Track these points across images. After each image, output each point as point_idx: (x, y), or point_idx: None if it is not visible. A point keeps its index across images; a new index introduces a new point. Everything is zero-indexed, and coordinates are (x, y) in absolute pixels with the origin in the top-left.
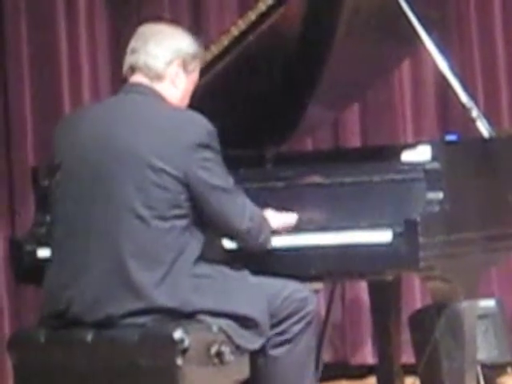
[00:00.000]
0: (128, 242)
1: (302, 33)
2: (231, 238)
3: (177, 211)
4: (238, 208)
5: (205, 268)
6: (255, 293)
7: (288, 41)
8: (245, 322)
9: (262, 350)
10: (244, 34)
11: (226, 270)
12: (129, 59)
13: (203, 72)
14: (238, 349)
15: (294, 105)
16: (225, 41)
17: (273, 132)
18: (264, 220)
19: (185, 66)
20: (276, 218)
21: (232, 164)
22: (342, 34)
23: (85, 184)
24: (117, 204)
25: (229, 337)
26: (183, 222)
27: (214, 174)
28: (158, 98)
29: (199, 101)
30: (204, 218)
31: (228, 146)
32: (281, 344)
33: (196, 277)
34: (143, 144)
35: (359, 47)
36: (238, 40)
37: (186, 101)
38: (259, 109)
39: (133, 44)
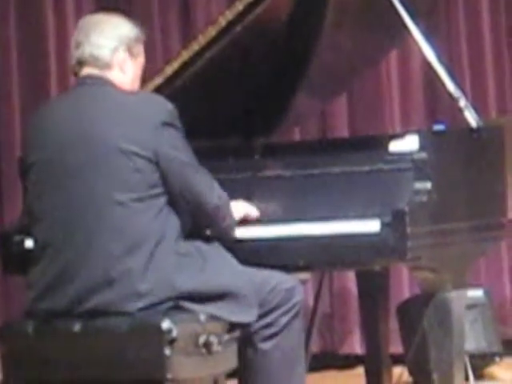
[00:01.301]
0: (110, 229)
1: (290, 23)
2: (200, 217)
3: (153, 191)
4: (208, 184)
5: (185, 246)
6: (235, 266)
7: (275, 31)
8: (232, 297)
9: (250, 343)
10: (232, 24)
11: (203, 246)
12: (75, 54)
13: (191, 62)
14: (233, 329)
15: (282, 95)
16: (212, 31)
17: (261, 122)
18: (229, 204)
19: (130, 50)
20: (238, 208)
21: (220, 154)
22: (329, 24)
23: (61, 180)
24: (95, 194)
25: (220, 319)
26: (161, 201)
27: (181, 150)
28: (112, 85)
29: (187, 91)
30: (175, 195)
31: (216, 136)
32: (269, 337)
33: (179, 255)
34: (111, 131)
35: (347, 37)
36: (225, 30)
37: (137, 84)
38: (247, 99)
39: (76, 38)
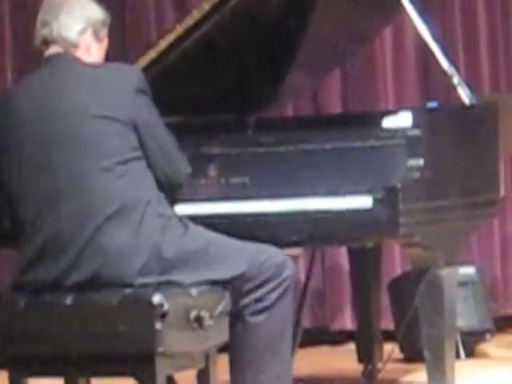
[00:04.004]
0: (97, 196)
1: None
2: (169, 182)
3: (135, 153)
4: (179, 151)
5: (168, 209)
6: (217, 234)
7: (269, 6)
8: (214, 254)
9: (240, 317)
10: (225, 0)
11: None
12: (41, 32)
13: (184, 37)
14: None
15: (275, 71)
16: (207, 6)
17: (254, 98)
18: None
19: (96, 33)
20: None
21: (213, 129)
22: (323, 0)
23: (39, 157)
24: (77, 164)
25: (208, 283)
26: (143, 164)
27: (156, 116)
28: (79, 60)
29: (181, 66)
30: (151, 160)
31: (209, 112)
32: (259, 311)
33: (162, 217)
34: (84, 100)
35: (340, 12)
36: (219, 5)
37: None
38: (240, 75)
39: (42, 16)
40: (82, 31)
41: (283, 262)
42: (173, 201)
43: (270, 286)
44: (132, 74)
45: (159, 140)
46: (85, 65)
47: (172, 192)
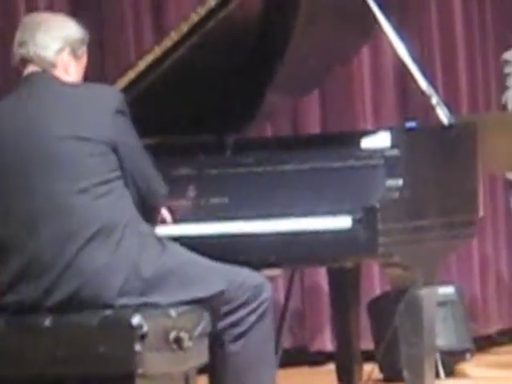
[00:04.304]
0: (77, 219)
1: (262, 19)
2: (145, 203)
3: (114, 173)
4: (156, 173)
5: (146, 227)
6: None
7: (248, 28)
8: (192, 273)
9: (218, 344)
10: (204, 21)
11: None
12: (18, 52)
13: (163, 58)
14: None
15: (254, 91)
16: (184, 27)
17: (232, 118)
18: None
19: (74, 52)
20: None
21: (192, 150)
22: (301, 21)
23: (17, 180)
24: (55, 186)
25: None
26: (122, 184)
27: (135, 138)
28: (57, 80)
29: (159, 87)
30: (128, 181)
31: (188, 133)
32: (237, 337)
33: (141, 235)
34: (66, 120)
35: (319, 34)
36: (197, 27)
37: None
38: (218, 95)
39: (20, 36)
40: (60, 50)
41: (261, 284)
42: (150, 220)
43: (247, 309)
44: (112, 95)
45: (137, 161)
46: (63, 84)
47: (148, 213)
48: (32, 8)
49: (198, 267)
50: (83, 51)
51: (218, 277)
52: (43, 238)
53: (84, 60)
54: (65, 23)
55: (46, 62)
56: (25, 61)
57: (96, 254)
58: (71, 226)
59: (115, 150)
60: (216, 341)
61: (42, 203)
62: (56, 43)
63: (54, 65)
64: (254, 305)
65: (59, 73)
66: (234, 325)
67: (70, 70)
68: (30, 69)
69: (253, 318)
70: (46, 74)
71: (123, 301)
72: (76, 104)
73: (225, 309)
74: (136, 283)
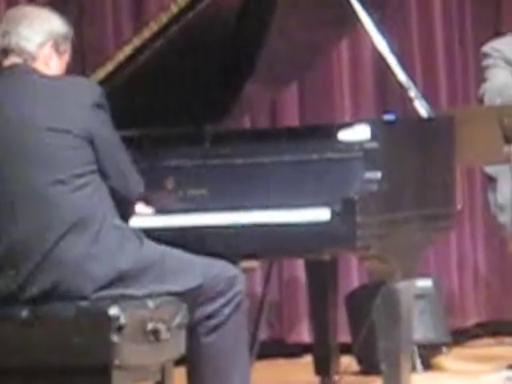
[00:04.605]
0: (53, 209)
1: (241, 11)
2: (120, 198)
3: (91, 167)
4: (133, 169)
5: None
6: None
7: (227, 19)
8: (170, 266)
9: (194, 336)
10: (183, 12)
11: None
12: (1, 42)
13: (142, 49)
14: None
15: (232, 83)
16: (164, 18)
17: (211, 110)
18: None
19: (57, 47)
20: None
21: (171, 141)
22: (280, 13)
23: (2, 167)
24: (33, 177)
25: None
26: (99, 177)
27: (112, 132)
28: (37, 72)
29: (137, 78)
30: (104, 175)
31: (166, 124)
32: (212, 329)
33: (119, 229)
34: (39, 113)
35: (298, 26)
36: (177, 17)
37: None
38: (197, 87)
39: (4, 27)
40: (42, 44)
41: (235, 275)
42: (125, 215)
43: (222, 300)
44: (90, 88)
45: (113, 156)
46: (43, 77)
47: (123, 207)
48: (12, 1)
49: (174, 261)
50: (66, 47)
51: (194, 270)
52: (21, 228)
53: (66, 57)
54: (49, 17)
55: (26, 54)
56: (6, 51)
57: (74, 246)
58: (50, 215)
59: (92, 143)
60: (191, 333)
61: (19, 193)
62: (39, 36)
63: (34, 57)
64: (227, 297)
65: (39, 66)
66: (209, 317)
67: (51, 64)
68: (11, 60)
69: (227, 310)
70: (26, 66)
71: (101, 292)
72: (54, 96)
73: (200, 299)
74: (115, 276)
